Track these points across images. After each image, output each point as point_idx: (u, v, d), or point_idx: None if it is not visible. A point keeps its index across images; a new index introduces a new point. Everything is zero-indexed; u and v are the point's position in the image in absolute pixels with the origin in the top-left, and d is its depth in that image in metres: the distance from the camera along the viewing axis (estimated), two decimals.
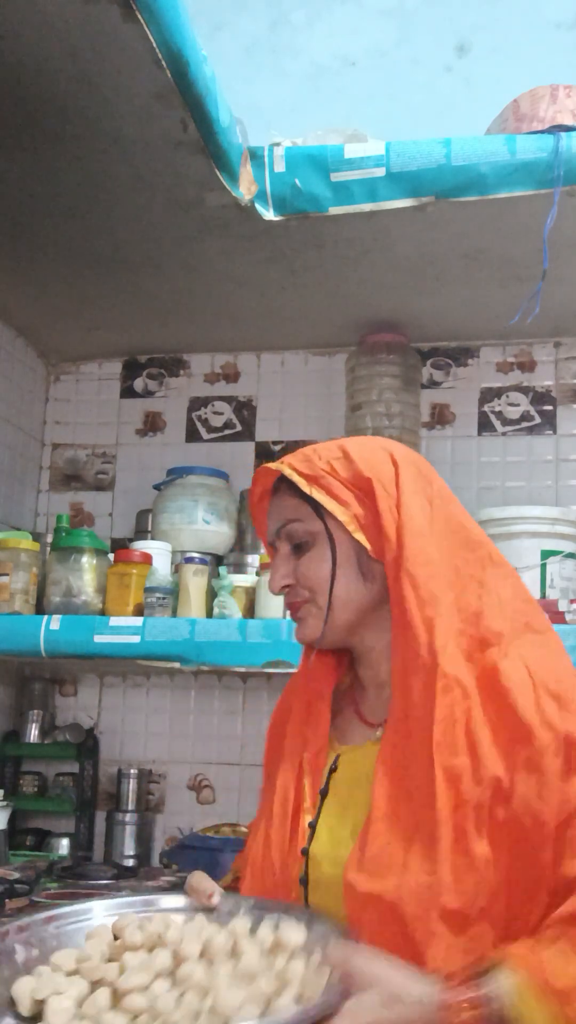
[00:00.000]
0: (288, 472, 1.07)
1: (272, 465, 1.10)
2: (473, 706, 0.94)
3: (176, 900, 0.98)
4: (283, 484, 1.10)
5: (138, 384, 2.51)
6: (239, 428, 2.43)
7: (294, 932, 0.85)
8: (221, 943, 0.85)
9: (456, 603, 1.00)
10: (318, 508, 1.06)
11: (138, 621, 1.80)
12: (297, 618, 1.10)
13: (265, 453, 2.40)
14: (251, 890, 1.04)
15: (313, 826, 1.03)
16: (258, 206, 1.66)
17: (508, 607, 1.01)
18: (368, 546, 1.04)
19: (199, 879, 1.00)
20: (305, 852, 1.02)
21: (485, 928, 0.89)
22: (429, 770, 0.92)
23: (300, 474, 1.06)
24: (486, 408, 2.31)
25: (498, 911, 0.89)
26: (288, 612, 1.13)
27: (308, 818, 1.04)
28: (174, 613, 1.89)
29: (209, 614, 1.90)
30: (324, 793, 1.05)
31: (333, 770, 1.07)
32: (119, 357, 2.52)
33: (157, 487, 2.25)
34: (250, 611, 1.91)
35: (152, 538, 2.16)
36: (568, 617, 1.72)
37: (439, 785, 0.91)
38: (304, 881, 1.01)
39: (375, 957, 0.84)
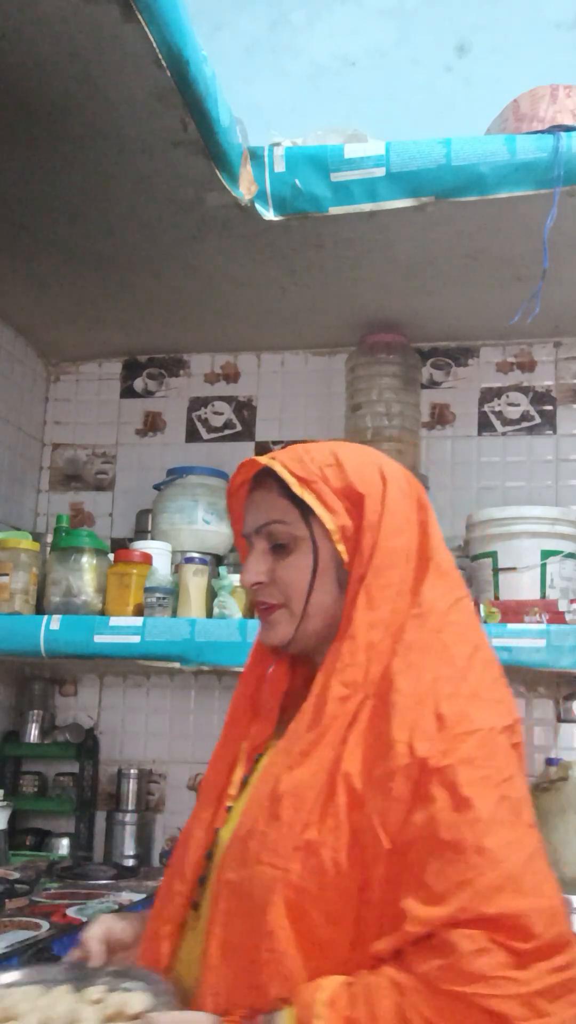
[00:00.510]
0: (280, 470, 1.05)
1: (263, 459, 1.07)
2: (363, 712, 0.95)
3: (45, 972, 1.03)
4: (270, 480, 1.07)
5: (138, 384, 2.51)
6: (239, 428, 2.43)
7: (138, 1000, 0.90)
8: (61, 1013, 0.89)
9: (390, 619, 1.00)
10: (306, 513, 1.05)
11: (138, 621, 1.81)
12: (268, 621, 1.08)
13: (265, 453, 2.39)
14: (170, 865, 1.08)
15: (231, 809, 1.06)
16: (258, 206, 1.66)
17: (436, 621, 1.00)
18: (346, 559, 1.04)
19: (91, 936, 1.04)
20: (217, 831, 1.05)
21: (330, 928, 0.89)
22: (304, 765, 0.95)
23: (293, 474, 1.04)
24: (486, 408, 2.31)
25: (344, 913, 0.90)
26: (257, 612, 1.11)
27: (229, 802, 1.07)
28: (174, 613, 1.89)
29: (209, 614, 1.90)
30: (247, 781, 1.07)
31: (260, 758, 1.08)
32: (119, 357, 2.52)
33: (157, 487, 2.25)
34: (250, 611, 1.91)
35: (152, 538, 2.16)
36: (568, 617, 1.72)
37: (300, 779, 0.94)
38: (210, 857, 1.04)
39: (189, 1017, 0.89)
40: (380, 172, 1.62)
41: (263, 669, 1.15)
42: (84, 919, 1.49)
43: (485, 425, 2.30)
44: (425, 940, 0.83)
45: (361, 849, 0.89)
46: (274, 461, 1.06)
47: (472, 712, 0.94)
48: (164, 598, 1.87)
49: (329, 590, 1.05)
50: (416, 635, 0.98)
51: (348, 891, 0.89)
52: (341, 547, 1.03)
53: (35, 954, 1.32)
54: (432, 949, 0.82)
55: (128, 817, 2.16)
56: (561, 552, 1.85)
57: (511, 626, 1.70)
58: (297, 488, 1.04)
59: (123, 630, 1.80)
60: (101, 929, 1.05)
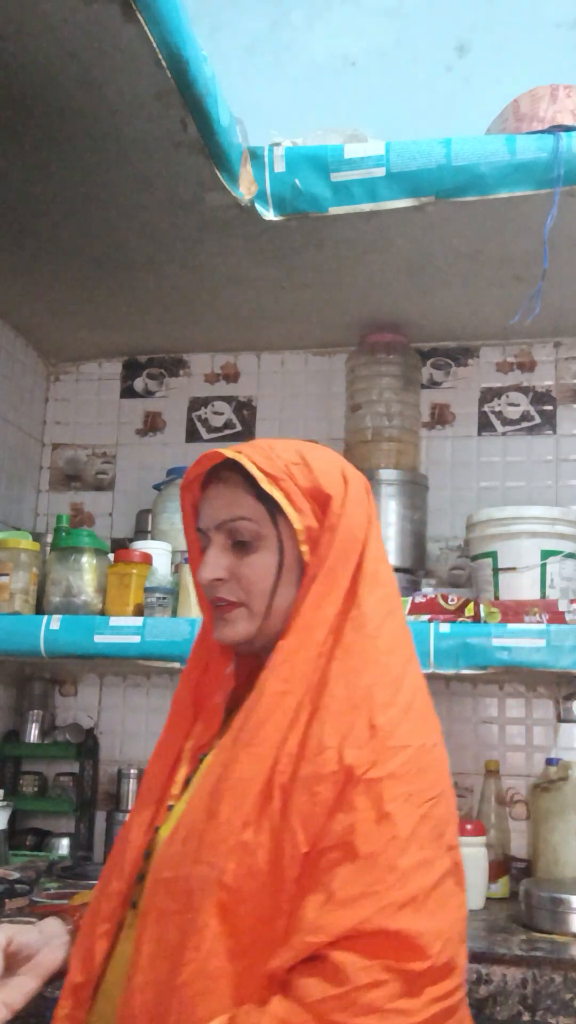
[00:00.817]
0: (249, 465, 1.01)
1: (228, 452, 1.03)
2: (302, 712, 0.94)
3: None
4: (234, 475, 1.03)
5: (138, 384, 2.51)
6: (239, 428, 2.43)
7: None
8: None
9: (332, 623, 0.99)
10: (272, 511, 1.02)
11: (138, 621, 1.81)
12: (225, 618, 1.05)
13: None
14: (107, 863, 1.06)
15: (172, 808, 1.04)
16: (258, 206, 1.66)
17: (373, 628, 0.99)
18: (308, 560, 1.02)
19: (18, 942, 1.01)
20: (157, 829, 1.03)
21: (262, 932, 0.88)
22: (244, 762, 0.93)
23: (261, 470, 1.01)
24: (486, 408, 2.31)
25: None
26: (210, 608, 1.08)
27: (171, 801, 1.05)
28: (174, 613, 1.89)
29: None
30: (190, 780, 1.05)
31: (204, 757, 1.06)
32: (119, 357, 2.52)
33: (157, 487, 2.25)
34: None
35: (152, 538, 2.16)
36: (568, 617, 1.72)
37: (239, 776, 0.92)
38: (148, 856, 1.02)
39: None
40: (380, 172, 1.62)
41: (203, 667, 1.12)
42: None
43: (485, 425, 2.30)
44: (318, 964, 0.83)
45: (280, 851, 0.88)
46: (241, 455, 1.02)
47: (405, 726, 0.93)
48: (164, 598, 1.87)
49: (290, 591, 1.03)
50: (353, 638, 0.97)
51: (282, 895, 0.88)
52: (305, 548, 1.02)
53: None
54: (324, 976, 0.82)
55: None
56: (561, 552, 1.85)
57: (511, 626, 1.70)
58: (267, 485, 1.01)
59: (123, 630, 1.80)
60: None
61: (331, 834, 0.87)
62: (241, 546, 1.04)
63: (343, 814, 0.88)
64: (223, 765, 0.95)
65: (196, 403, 2.47)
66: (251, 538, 1.03)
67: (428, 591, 1.89)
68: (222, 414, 2.44)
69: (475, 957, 1.46)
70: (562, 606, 1.74)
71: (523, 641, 1.66)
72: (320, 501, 1.02)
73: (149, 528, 2.24)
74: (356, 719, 0.92)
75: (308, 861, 0.87)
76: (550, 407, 2.27)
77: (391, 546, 2.04)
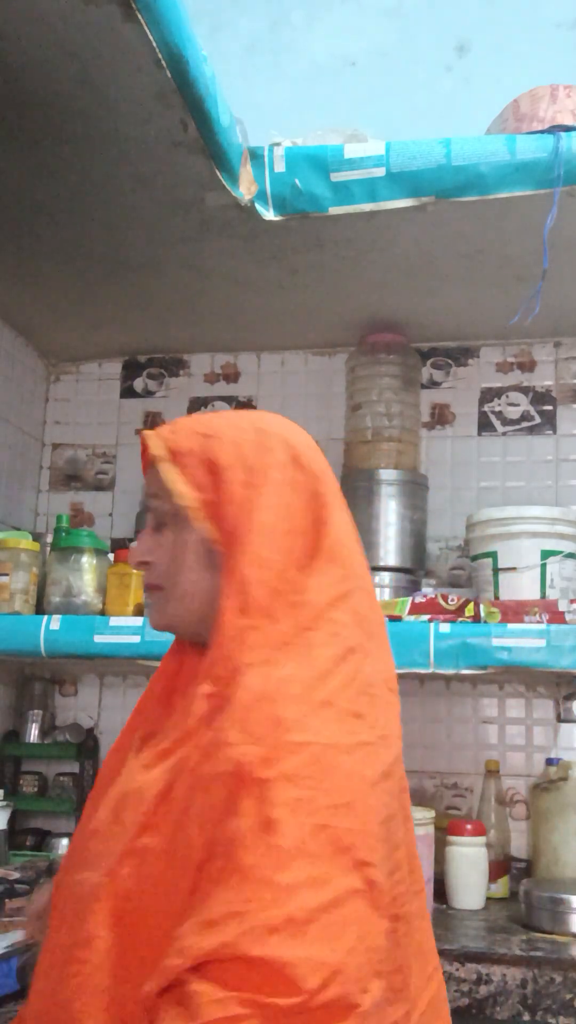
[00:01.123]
0: (151, 441, 0.96)
1: (146, 432, 0.99)
2: (215, 710, 0.84)
3: None
4: (152, 461, 0.98)
5: (138, 384, 2.51)
6: None
7: None
8: None
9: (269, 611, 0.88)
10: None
11: (138, 621, 1.80)
12: (149, 603, 1.00)
13: None
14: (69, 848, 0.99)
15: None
16: (258, 206, 1.66)
17: (309, 615, 0.88)
18: (214, 537, 0.92)
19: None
20: None
21: (156, 944, 0.77)
22: (159, 766, 0.87)
23: (166, 448, 0.95)
24: (486, 408, 2.31)
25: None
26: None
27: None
28: None
29: None
30: None
31: None
32: (119, 357, 2.52)
33: None
34: None
35: None
36: (568, 617, 1.72)
37: (145, 777, 0.86)
38: None
39: None
40: (380, 172, 1.61)
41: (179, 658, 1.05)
42: None
43: (485, 425, 2.30)
44: (176, 993, 0.72)
45: (176, 859, 0.79)
46: (150, 432, 0.98)
47: (314, 722, 0.81)
48: None
49: (199, 571, 0.94)
50: (284, 627, 0.86)
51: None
52: (205, 525, 0.92)
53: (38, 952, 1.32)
54: (180, 1007, 0.71)
55: None
56: (561, 552, 1.85)
57: (511, 626, 1.70)
58: (162, 462, 0.94)
59: (123, 630, 1.80)
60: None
61: (218, 842, 0.76)
62: (160, 527, 0.98)
63: (230, 820, 0.76)
64: (141, 767, 0.89)
65: (196, 403, 2.47)
66: (164, 518, 0.97)
67: (428, 591, 1.89)
68: None
69: (475, 957, 1.47)
70: (562, 606, 1.74)
71: (523, 641, 1.66)
72: (213, 472, 0.93)
73: None
74: (259, 713, 0.80)
75: (200, 873, 0.77)
76: (550, 407, 2.27)
77: (391, 546, 2.04)
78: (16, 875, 1.76)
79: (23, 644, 1.82)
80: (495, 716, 2.14)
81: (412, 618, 1.78)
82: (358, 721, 0.84)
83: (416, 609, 1.80)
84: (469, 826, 1.79)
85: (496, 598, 1.85)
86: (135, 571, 1.91)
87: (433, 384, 2.34)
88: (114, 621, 1.82)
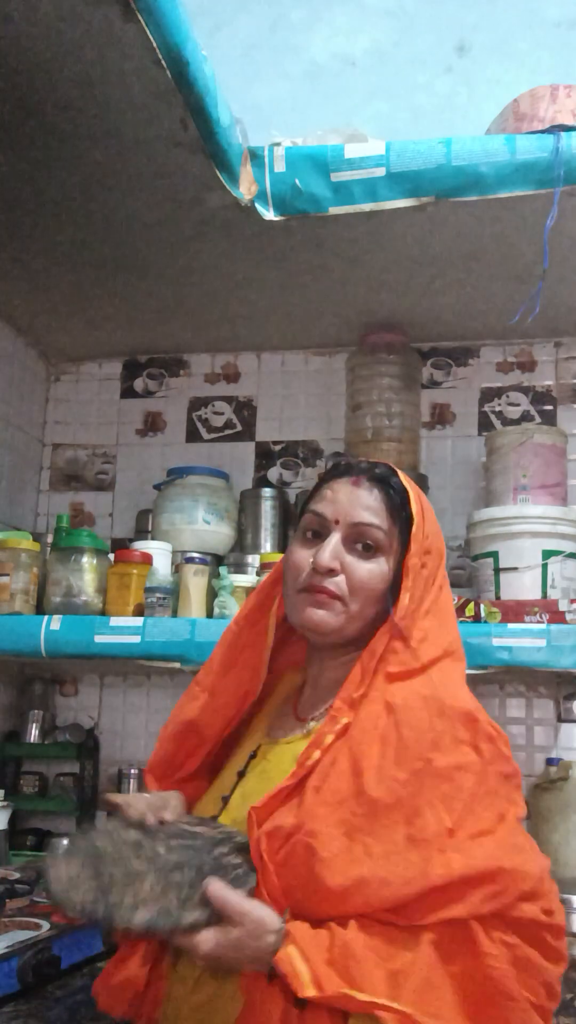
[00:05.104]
0: (409, 487, 1.17)
1: (402, 475, 1.18)
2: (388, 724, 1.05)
3: None
4: (379, 487, 1.16)
5: (138, 384, 2.51)
6: (239, 428, 2.43)
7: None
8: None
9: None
10: (405, 532, 1.14)
11: (138, 621, 1.80)
12: (320, 603, 1.12)
13: (265, 453, 2.40)
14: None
15: (226, 799, 1.17)
16: (258, 206, 1.66)
17: (442, 637, 1.14)
18: (414, 575, 1.14)
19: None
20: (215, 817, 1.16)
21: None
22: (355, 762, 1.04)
23: (414, 498, 1.15)
24: (486, 408, 2.31)
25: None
26: (306, 591, 1.14)
27: (224, 792, 1.18)
28: (174, 613, 1.89)
29: (209, 614, 1.90)
30: (242, 774, 1.18)
31: (252, 757, 1.19)
32: (119, 357, 2.52)
33: (157, 487, 2.25)
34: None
35: (152, 538, 2.16)
36: (568, 617, 1.72)
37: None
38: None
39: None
40: (380, 172, 1.61)
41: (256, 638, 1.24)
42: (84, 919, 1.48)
43: (485, 425, 2.30)
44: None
45: None
46: (402, 478, 1.18)
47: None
48: (164, 598, 1.87)
49: (383, 602, 1.13)
50: (426, 651, 1.14)
51: None
52: (416, 560, 1.13)
53: (38, 952, 1.32)
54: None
55: None
56: (562, 552, 1.85)
57: (511, 626, 1.70)
58: (416, 506, 1.14)
59: (123, 630, 1.80)
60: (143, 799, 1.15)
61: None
62: (362, 547, 1.13)
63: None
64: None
65: (196, 403, 2.47)
66: (376, 545, 1.13)
67: None
68: (222, 414, 2.44)
69: None
70: (563, 606, 1.74)
71: (524, 641, 1.66)
72: (428, 548, 1.17)
73: (149, 528, 2.24)
74: (431, 716, 1.06)
75: None
76: (550, 407, 2.27)
77: None
78: (16, 875, 1.76)
79: (23, 644, 1.82)
80: (495, 716, 2.14)
81: None
82: None
83: None
84: None
85: (497, 598, 1.85)
86: (135, 571, 1.91)
87: (433, 384, 2.34)
88: (114, 621, 1.82)
